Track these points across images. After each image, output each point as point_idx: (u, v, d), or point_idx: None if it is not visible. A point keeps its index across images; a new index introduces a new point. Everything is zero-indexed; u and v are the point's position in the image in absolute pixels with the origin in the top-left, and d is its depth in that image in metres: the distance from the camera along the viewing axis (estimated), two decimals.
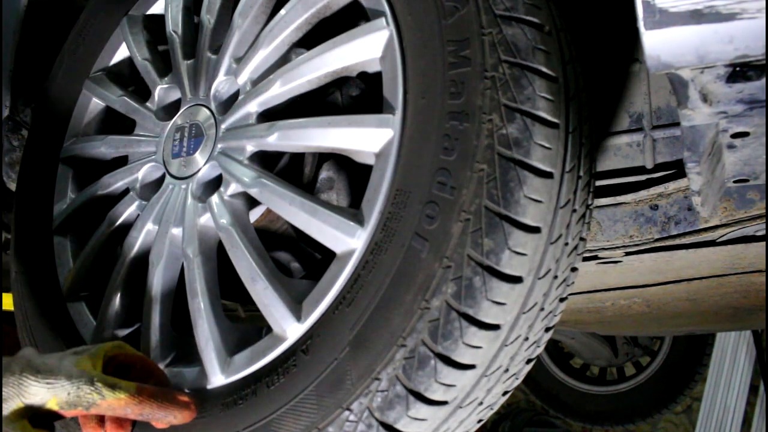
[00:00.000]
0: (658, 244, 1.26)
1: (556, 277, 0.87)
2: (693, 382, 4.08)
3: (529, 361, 0.94)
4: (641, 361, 4.29)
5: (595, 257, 1.36)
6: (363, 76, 1.02)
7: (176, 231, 1.10)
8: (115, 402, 0.87)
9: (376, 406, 0.81)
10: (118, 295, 1.17)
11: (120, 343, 0.98)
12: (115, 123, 1.37)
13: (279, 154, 1.11)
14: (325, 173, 1.11)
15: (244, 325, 1.04)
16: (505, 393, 0.93)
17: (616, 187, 1.25)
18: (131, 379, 0.91)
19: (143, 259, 1.15)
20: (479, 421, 0.93)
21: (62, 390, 0.85)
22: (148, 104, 1.24)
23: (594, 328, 3.10)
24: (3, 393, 0.83)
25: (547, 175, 0.81)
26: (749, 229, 1.21)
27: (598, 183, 1.25)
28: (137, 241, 1.16)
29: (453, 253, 0.79)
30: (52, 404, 0.85)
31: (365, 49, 0.95)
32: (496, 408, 0.95)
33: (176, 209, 1.10)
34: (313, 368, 0.86)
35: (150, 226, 1.15)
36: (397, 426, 0.81)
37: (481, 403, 0.88)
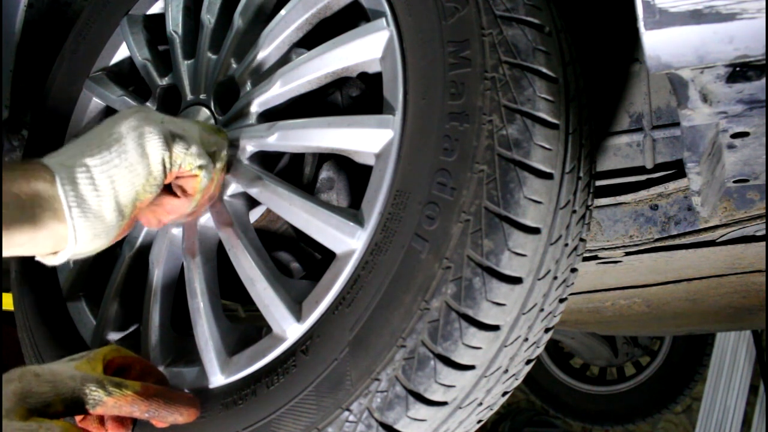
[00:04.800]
0: (658, 244, 1.26)
1: (555, 278, 0.87)
2: (693, 382, 4.08)
3: (528, 362, 0.94)
4: (641, 361, 4.29)
5: (595, 257, 1.36)
6: (363, 76, 1.02)
7: (176, 231, 1.10)
8: (122, 399, 0.85)
9: (376, 406, 0.80)
10: (118, 295, 1.17)
11: (117, 347, 0.97)
12: None
13: (279, 154, 1.11)
14: (325, 173, 1.11)
15: (244, 325, 1.04)
16: (504, 393, 0.93)
17: (616, 187, 1.25)
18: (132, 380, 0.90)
19: (143, 259, 1.15)
20: (479, 421, 0.93)
21: (66, 388, 0.82)
22: (148, 104, 1.24)
23: (594, 328, 3.10)
24: (3, 398, 0.80)
25: (547, 176, 0.81)
26: (749, 229, 1.21)
27: (598, 183, 1.25)
28: (137, 241, 1.16)
29: (453, 253, 0.79)
30: (57, 405, 0.82)
31: (365, 49, 0.95)
32: (495, 408, 0.95)
33: None
34: (313, 369, 0.86)
35: None
36: (397, 426, 0.81)
37: (480, 404, 0.88)
